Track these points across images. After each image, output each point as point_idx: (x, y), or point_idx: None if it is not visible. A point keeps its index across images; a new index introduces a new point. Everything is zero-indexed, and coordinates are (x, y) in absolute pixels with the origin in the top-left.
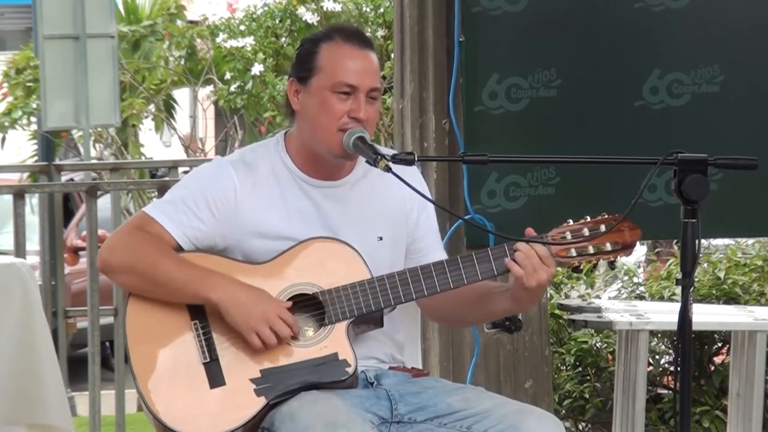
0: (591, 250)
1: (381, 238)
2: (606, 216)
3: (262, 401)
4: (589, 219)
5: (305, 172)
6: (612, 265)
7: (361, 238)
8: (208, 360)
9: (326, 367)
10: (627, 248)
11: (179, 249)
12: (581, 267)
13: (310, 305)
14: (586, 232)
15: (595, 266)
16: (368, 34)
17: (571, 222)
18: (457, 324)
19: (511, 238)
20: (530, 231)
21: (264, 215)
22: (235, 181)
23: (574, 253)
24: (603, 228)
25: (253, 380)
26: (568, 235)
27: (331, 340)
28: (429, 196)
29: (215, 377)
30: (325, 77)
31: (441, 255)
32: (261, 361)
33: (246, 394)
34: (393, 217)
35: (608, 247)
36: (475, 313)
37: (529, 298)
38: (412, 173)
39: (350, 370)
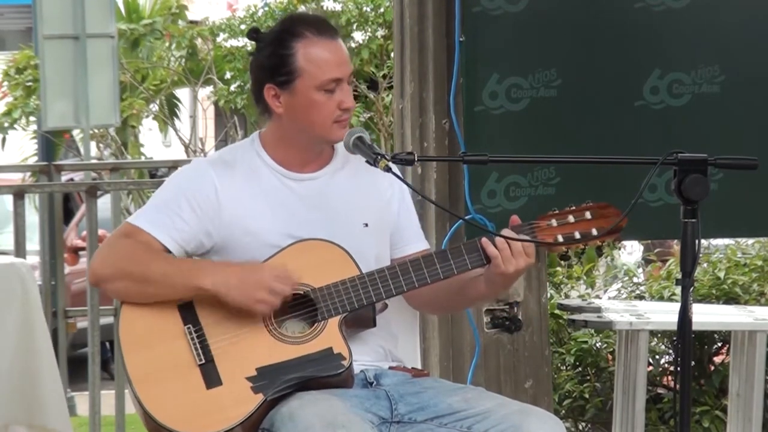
0: (577, 235)
1: (366, 225)
2: (591, 204)
3: (259, 398)
4: (573, 207)
5: (284, 166)
6: (600, 251)
7: (346, 225)
8: (204, 361)
9: (321, 362)
10: (612, 233)
11: (168, 253)
12: (568, 253)
13: (302, 305)
14: (571, 218)
15: (583, 251)
16: (368, 34)
17: (556, 210)
18: (441, 312)
19: (511, 238)
20: (515, 219)
21: (247, 211)
22: (215, 180)
23: (560, 238)
24: (588, 214)
25: (249, 378)
26: (554, 222)
27: (325, 336)
28: (409, 192)
29: (211, 378)
30: (310, 78)
31: (423, 245)
32: (256, 360)
33: (243, 392)
34: (376, 204)
35: (594, 232)
36: (456, 302)
37: (502, 283)
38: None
39: (345, 363)
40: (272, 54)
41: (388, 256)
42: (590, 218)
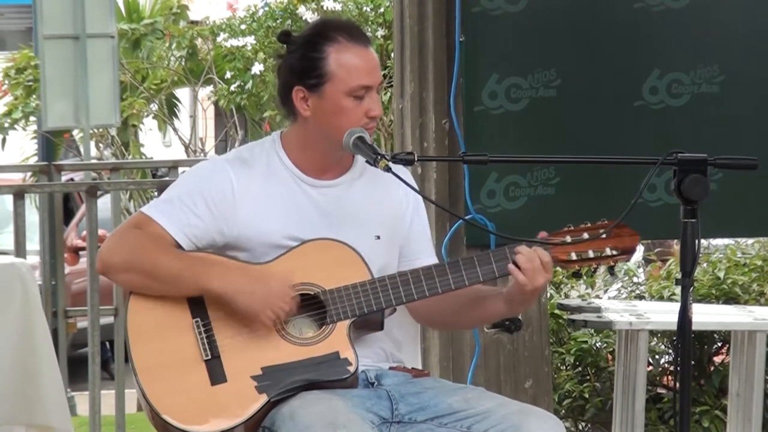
0: (591, 254)
1: (378, 237)
2: (606, 222)
3: (263, 398)
4: (589, 224)
5: (303, 170)
6: (611, 270)
7: (359, 236)
8: (210, 357)
9: (327, 366)
10: (626, 253)
11: (179, 247)
12: (581, 272)
13: (311, 305)
14: (585, 236)
15: (595, 269)
16: (368, 34)
17: (571, 226)
18: (447, 328)
19: (512, 238)
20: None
21: (262, 212)
22: (232, 178)
23: (574, 256)
24: (602, 233)
25: (254, 377)
26: (568, 239)
27: (333, 339)
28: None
29: (216, 374)
30: (341, 83)
31: (432, 259)
32: (262, 359)
33: (247, 391)
34: (390, 217)
35: (608, 251)
36: (467, 318)
37: (523, 301)
38: (404, 173)
39: (351, 369)
40: (303, 56)
41: (395, 268)
42: (604, 237)
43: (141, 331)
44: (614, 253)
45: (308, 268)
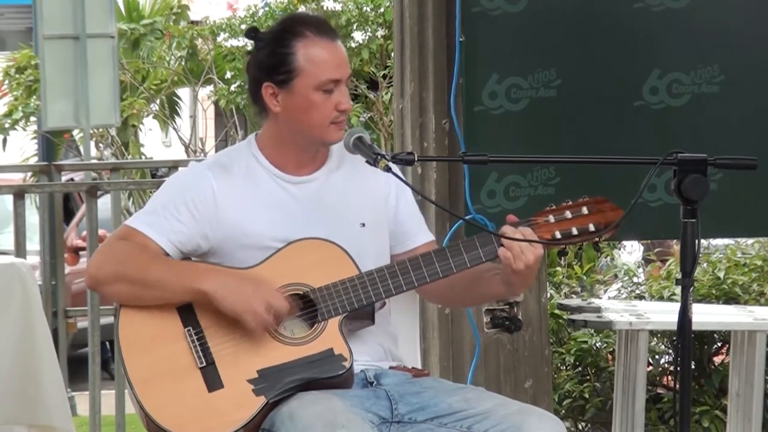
0: (575, 231)
1: (363, 225)
2: (587, 198)
3: (261, 401)
4: (570, 202)
5: (281, 168)
6: (597, 246)
7: (343, 226)
8: (204, 365)
9: (322, 363)
10: (610, 230)
11: (165, 255)
12: (567, 250)
13: (301, 305)
14: (568, 214)
15: (580, 247)
16: (368, 34)
17: (553, 206)
18: (458, 305)
19: (512, 238)
20: (512, 218)
21: (244, 214)
22: (213, 183)
23: (558, 235)
24: (585, 210)
25: (250, 381)
26: (551, 218)
27: (326, 337)
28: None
29: (213, 381)
30: (310, 77)
31: (427, 237)
32: (257, 362)
33: (245, 394)
34: (373, 203)
35: (591, 227)
36: (472, 296)
37: (519, 282)
38: (396, 170)
39: (347, 364)
40: (272, 53)
41: (388, 254)
42: (587, 213)
43: (132, 342)
44: (598, 228)
45: (296, 269)
